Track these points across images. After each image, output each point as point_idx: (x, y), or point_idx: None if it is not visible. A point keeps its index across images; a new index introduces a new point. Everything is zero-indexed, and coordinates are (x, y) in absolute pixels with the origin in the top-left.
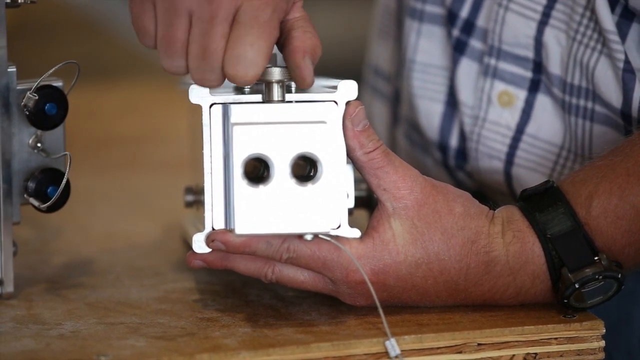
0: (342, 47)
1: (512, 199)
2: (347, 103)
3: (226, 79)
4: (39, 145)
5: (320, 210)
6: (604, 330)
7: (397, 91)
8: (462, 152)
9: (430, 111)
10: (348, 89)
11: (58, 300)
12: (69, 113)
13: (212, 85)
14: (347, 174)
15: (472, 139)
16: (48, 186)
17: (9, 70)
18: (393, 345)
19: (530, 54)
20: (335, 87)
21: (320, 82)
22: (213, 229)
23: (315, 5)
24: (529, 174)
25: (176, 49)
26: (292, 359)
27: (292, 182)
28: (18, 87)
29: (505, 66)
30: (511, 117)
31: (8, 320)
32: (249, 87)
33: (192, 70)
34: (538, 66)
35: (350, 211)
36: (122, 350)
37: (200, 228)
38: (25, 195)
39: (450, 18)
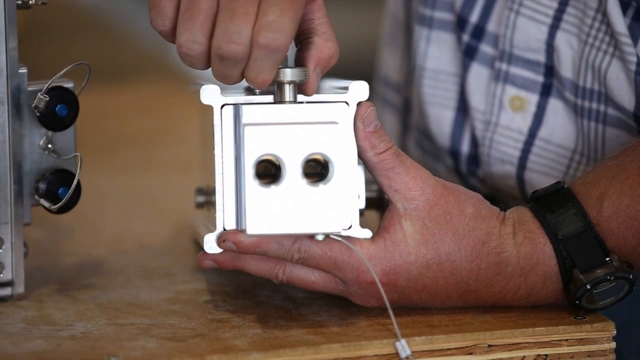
0: (355, 50)
1: (525, 203)
2: (359, 104)
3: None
4: (49, 146)
5: (332, 210)
6: (615, 332)
7: (406, 100)
8: (474, 158)
9: (440, 118)
10: (359, 89)
11: (69, 301)
12: (79, 114)
13: (237, 57)
14: (358, 175)
15: (484, 144)
16: (59, 187)
17: (20, 71)
18: (403, 346)
19: (541, 58)
20: (346, 88)
21: (332, 83)
22: (224, 229)
23: (327, 8)
24: (542, 178)
25: (197, 21)
26: (302, 359)
27: (304, 182)
28: (29, 89)
29: (517, 71)
30: (523, 122)
31: (19, 321)
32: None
33: (216, 39)
34: (550, 70)
35: (361, 212)
36: (132, 351)
37: (212, 228)
38: (36, 197)
39: (460, 24)
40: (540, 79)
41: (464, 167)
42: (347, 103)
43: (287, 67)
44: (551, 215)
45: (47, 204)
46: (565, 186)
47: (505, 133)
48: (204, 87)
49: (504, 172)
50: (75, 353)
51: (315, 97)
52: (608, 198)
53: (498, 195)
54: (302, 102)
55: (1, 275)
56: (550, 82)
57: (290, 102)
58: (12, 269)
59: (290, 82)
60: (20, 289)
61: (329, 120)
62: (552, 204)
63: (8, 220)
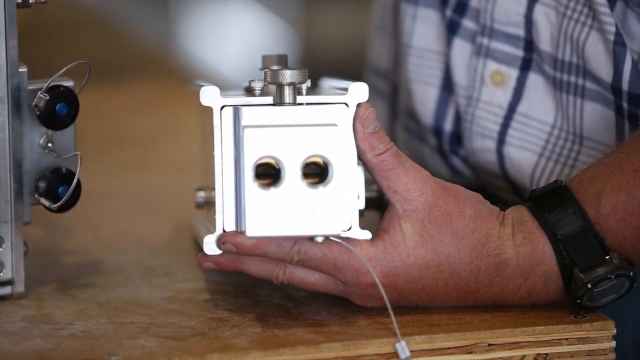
0: (349, 47)
1: (505, 180)
2: (358, 105)
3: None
4: (49, 145)
5: (331, 212)
6: (615, 331)
7: (394, 86)
8: (457, 136)
9: (425, 96)
10: (359, 91)
11: (69, 300)
12: (79, 113)
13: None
14: (358, 176)
15: (467, 119)
16: (59, 186)
17: (20, 70)
18: (403, 348)
19: (521, 32)
20: (345, 89)
21: (331, 83)
22: (224, 230)
23: (321, 4)
24: (521, 153)
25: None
26: (302, 359)
27: (303, 184)
28: (29, 87)
29: (497, 45)
30: (503, 97)
31: (19, 319)
32: (259, 89)
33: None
34: (529, 44)
35: (361, 212)
36: (132, 350)
37: (211, 229)
38: (36, 195)
39: None
40: (520, 53)
41: (446, 145)
42: (346, 104)
43: (286, 68)
44: (550, 215)
45: (47, 203)
46: (563, 184)
47: (486, 108)
48: (203, 88)
49: (484, 147)
50: (75, 352)
51: (314, 99)
52: (605, 195)
53: (479, 173)
54: (301, 104)
55: (1, 274)
56: (530, 56)
57: (289, 103)
58: (12, 268)
59: (289, 84)
60: (20, 287)
61: (328, 122)
62: (551, 204)
63: (8, 219)
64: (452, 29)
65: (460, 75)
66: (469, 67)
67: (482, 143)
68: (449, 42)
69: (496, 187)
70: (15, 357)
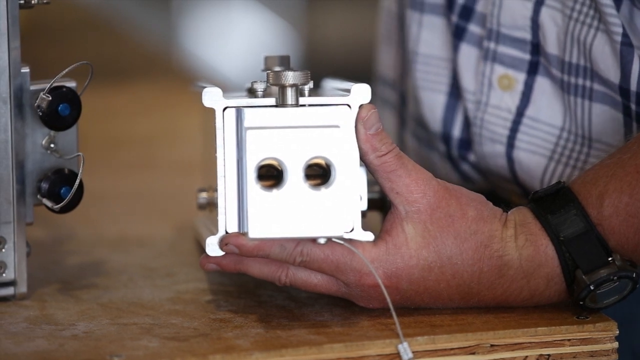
0: (351, 48)
1: (515, 184)
2: (360, 106)
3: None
4: (52, 146)
5: (334, 213)
6: (617, 332)
7: (402, 95)
8: (465, 142)
9: (433, 102)
10: (361, 92)
11: (71, 301)
12: (82, 114)
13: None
14: (360, 177)
15: (476, 124)
16: (61, 187)
17: (22, 71)
18: (405, 349)
19: (527, 35)
20: (348, 91)
21: (334, 84)
22: (226, 232)
23: (323, 5)
24: (530, 157)
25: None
26: (304, 359)
27: (306, 186)
28: (31, 88)
29: (504, 49)
30: (511, 101)
31: (21, 320)
32: (262, 90)
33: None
34: (536, 48)
35: (364, 213)
36: (135, 351)
37: (214, 231)
38: (38, 196)
39: (449, 5)
40: (527, 57)
41: (455, 151)
42: (349, 106)
43: (289, 70)
44: (552, 217)
45: (49, 204)
46: (566, 186)
47: (495, 112)
48: (205, 89)
49: (494, 152)
50: (78, 353)
51: (317, 100)
52: (608, 197)
53: (490, 177)
54: (304, 105)
55: (4, 274)
56: (537, 60)
57: (292, 105)
58: (14, 269)
59: (292, 86)
60: (22, 288)
61: (330, 123)
62: (553, 205)
63: (10, 220)
64: (458, 34)
65: (467, 81)
66: (476, 71)
67: (491, 148)
68: (455, 48)
69: (507, 191)
70: (18, 358)
